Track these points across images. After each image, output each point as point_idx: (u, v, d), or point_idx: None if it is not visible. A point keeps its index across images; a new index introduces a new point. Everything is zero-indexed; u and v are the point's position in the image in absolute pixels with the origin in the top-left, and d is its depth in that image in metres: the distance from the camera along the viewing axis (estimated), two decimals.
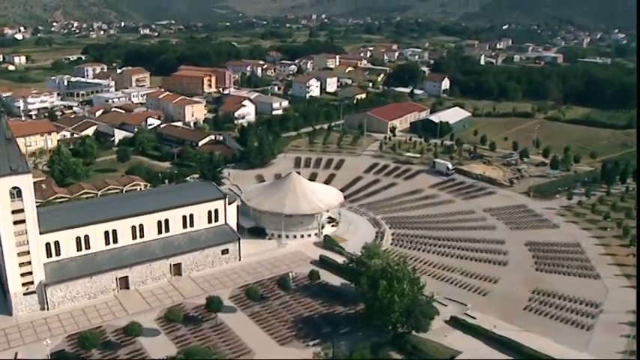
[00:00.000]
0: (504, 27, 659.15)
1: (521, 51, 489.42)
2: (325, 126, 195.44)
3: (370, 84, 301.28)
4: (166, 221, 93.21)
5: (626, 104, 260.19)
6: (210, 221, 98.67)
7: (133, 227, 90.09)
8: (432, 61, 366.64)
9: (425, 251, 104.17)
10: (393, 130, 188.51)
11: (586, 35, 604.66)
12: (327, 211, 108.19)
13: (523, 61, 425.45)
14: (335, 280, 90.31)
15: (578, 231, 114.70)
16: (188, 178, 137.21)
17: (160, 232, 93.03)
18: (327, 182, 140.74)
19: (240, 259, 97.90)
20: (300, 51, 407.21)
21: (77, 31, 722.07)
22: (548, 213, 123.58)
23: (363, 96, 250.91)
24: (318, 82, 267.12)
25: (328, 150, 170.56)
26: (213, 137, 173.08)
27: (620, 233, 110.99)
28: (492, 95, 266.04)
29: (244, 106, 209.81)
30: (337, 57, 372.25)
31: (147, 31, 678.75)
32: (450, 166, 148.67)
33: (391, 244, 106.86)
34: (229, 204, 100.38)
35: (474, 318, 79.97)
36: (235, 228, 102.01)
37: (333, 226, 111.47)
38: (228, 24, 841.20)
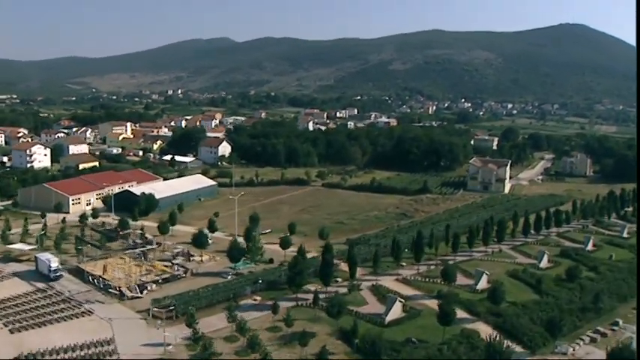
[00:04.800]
0: (355, 98, 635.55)
1: (364, 119, 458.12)
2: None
3: (141, 152, 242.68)
4: None
5: (438, 167, 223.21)
6: None
7: None
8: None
9: None
10: (57, 207, 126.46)
11: (434, 104, 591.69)
12: None
13: (358, 128, 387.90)
14: None
15: None
16: None
17: None
18: None
19: None
20: (96, 119, 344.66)
21: None
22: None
23: (96, 164, 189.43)
24: (48, 150, 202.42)
25: None
26: None
27: None
28: (279, 161, 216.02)
29: None
30: (129, 124, 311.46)
31: None
32: (54, 264, 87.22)
33: None
34: None
35: None
36: None
37: None
38: (74, 98, 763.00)
